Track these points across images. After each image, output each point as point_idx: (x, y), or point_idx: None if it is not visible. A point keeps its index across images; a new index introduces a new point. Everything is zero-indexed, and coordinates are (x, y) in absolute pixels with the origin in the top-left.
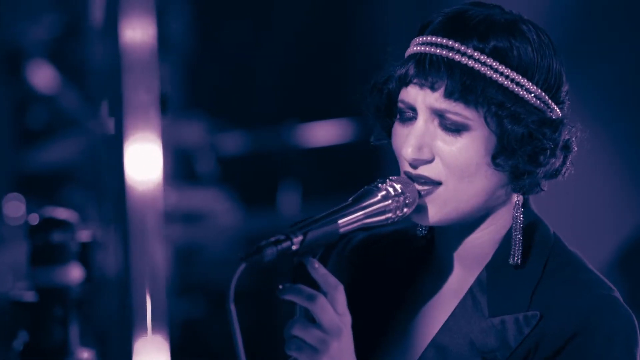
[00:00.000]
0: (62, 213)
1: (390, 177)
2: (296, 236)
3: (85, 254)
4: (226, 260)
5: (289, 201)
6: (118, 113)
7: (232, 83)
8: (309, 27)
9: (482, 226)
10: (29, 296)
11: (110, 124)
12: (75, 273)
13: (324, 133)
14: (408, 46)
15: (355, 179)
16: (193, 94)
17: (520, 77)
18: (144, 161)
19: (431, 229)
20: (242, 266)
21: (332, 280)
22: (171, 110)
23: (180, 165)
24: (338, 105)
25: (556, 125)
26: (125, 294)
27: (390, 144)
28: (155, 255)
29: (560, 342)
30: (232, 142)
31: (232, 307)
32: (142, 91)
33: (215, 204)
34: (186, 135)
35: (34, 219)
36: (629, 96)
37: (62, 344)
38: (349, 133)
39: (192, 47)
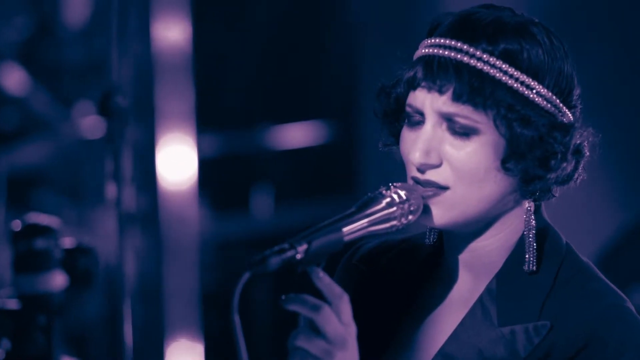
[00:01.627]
0: (44, 219)
1: (395, 184)
2: (300, 245)
3: (68, 261)
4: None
5: (262, 204)
6: (150, 116)
7: (204, 85)
8: (282, 28)
9: (491, 232)
10: (12, 304)
11: (82, 126)
12: (58, 280)
13: (297, 135)
14: (416, 48)
15: (329, 182)
16: None
17: (531, 79)
18: (178, 165)
19: (440, 237)
20: (246, 276)
21: (337, 289)
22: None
23: None
24: (311, 107)
25: (567, 129)
26: (158, 301)
27: (398, 150)
28: (190, 261)
29: (571, 352)
30: (204, 145)
31: (237, 318)
32: (176, 95)
33: None
34: None
35: (17, 226)
36: (601, 96)
37: (45, 351)
38: (322, 135)
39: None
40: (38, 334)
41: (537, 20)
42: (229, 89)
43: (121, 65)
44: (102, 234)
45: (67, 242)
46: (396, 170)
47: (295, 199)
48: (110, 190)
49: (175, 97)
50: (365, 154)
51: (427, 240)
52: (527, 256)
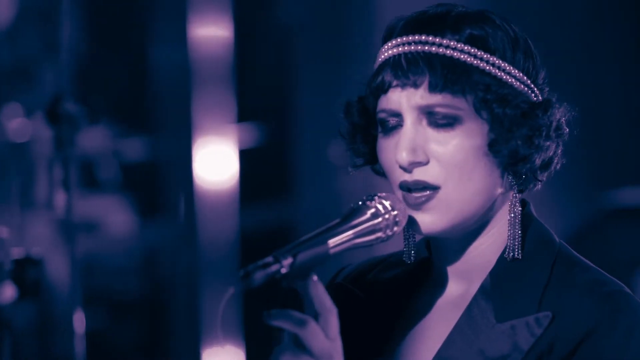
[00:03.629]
0: None
1: (379, 194)
2: (285, 259)
3: (17, 272)
4: (127, 270)
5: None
6: (187, 116)
7: (133, 87)
8: None
9: (482, 231)
10: None
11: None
12: (8, 292)
13: None
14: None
15: (260, 185)
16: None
17: (501, 61)
18: (217, 166)
19: (427, 247)
20: (230, 292)
21: (329, 302)
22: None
23: (80, 172)
24: (242, 109)
25: (545, 105)
26: (195, 302)
27: (371, 169)
28: (227, 264)
29: (575, 341)
30: (134, 149)
31: (220, 334)
32: (214, 97)
33: (117, 213)
34: (87, 141)
35: None
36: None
37: None
38: (252, 138)
39: (88, 49)
40: None
41: (490, 10)
42: (158, 92)
43: (68, 70)
44: (31, 239)
45: (16, 252)
46: (332, 174)
47: None
48: (59, 198)
49: (214, 99)
50: (299, 157)
51: (405, 258)
52: (509, 242)
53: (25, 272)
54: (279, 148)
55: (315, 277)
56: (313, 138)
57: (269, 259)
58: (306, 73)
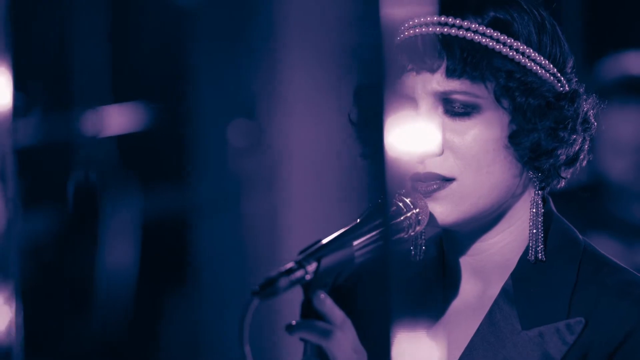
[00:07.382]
0: None
1: (399, 192)
2: (309, 264)
3: None
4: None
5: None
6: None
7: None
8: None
9: (500, 227)
10: None
11: None
12: None
13: (119, 119)
14: None
15: (160, 170)
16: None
17: (525, 47)
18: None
19: (440, 243)
20: (255, 303)
21: (340, 316)
22: None
23: None
24: (133, 88)
25: (572, 96)
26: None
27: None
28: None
29: (611, 349)
30: (20, 132)
31: (247, 349)
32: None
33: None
34: None
35: None
36: None
37: None
38: (147, 119)
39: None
40: None
41: None
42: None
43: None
44: None
45: None
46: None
47: (121, 189)
48: None
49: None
50: (194, 140)
51: (412, 257)
52: (531, 243)
53: None
54: (174, 130)
55: (322, 295)
56: (211, 118)
57: (293, 265)
58: (203, 49)
